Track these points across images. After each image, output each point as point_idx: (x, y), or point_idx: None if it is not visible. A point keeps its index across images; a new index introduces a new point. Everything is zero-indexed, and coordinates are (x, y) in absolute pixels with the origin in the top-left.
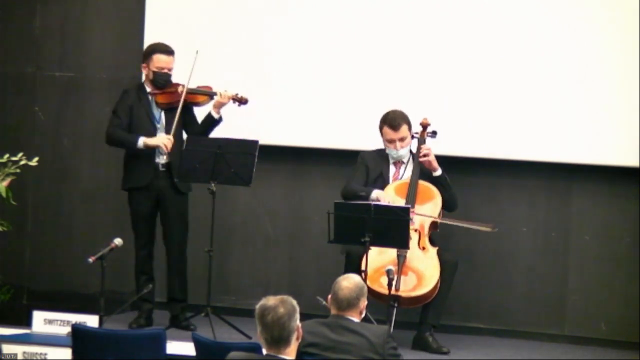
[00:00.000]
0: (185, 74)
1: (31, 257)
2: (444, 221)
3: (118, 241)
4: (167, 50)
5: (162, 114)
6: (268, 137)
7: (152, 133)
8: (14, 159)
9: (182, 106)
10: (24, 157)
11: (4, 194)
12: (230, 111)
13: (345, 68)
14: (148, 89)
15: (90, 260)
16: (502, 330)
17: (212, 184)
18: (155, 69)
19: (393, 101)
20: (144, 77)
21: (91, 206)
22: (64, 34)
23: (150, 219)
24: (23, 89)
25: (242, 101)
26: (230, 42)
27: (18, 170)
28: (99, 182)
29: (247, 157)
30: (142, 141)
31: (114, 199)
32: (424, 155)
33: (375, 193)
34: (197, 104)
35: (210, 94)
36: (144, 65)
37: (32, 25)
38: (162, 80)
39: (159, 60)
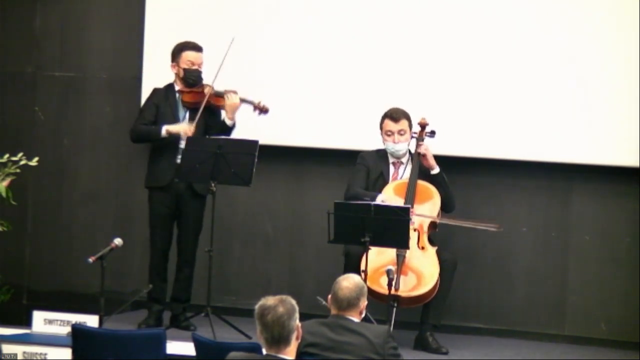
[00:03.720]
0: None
1: (31, 257)
2: (446, 221)
3: (118, 241)
4: (196, 47)
5: (187, 114)
6: (268, 137)
7: None
8: (14, 159)
9: (204, 107)
10: (24, 157)
11: (4, 194)
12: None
13: (345, 68)
14: (177, 87)
15: (90, 260)
16: (502, 330)
17: (212, 184)
18: (185, 66)
19: (393, 101)
20: (173, 77)
21: (91, 206)
22: (64, 34)
23: (168, 220)
24: (23, 89)
25: (262, 110)
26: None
27: (18, 170)
28: (99, 182)
29: (247, 157)
30: (164, 129)
31: (114, 199)
32: (422, 153)
33: (381, 197)
34: (220, 107)
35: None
36: (172, 64)
37: (32, 25)
38: (193, 77)
39: (188, 56)
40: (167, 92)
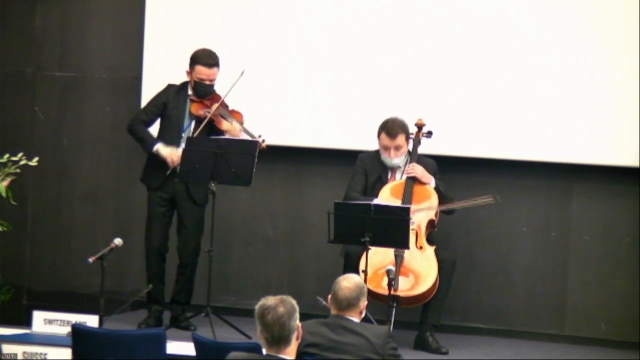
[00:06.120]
0: (183, 76)
1: (31, 257)
2: (444, 207)
3: (118, 241)
4: (210, 63)
5: (192, 124)
6: (268, 137)
7: (176, 139)
8: (14, 159)
9: (207, 122)
10: (24, 157)
11: (4, 194)
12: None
13: (345, 68)
14: (189, 92)
15: (90, 260)
16: (502, 330)
17: (212, 184)
18: (196, 79)
19: (393, 101)
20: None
21: (91, 206)
22: (64, 34)
23: (164, 220)
24: (23, 89)
25: (260, 147)
26: (230, 43)
27: (18, 170)
28: (99, 182)
29: (247, 157)
30: (156, 148)
31: (114, 199)
32: (411, 171)
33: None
34: (219, 130)
35: (230, 122)
36: (188, 71)
37: (32, 25)
38: (202, 92)
39: (201, 72)
40: (179, 92)
